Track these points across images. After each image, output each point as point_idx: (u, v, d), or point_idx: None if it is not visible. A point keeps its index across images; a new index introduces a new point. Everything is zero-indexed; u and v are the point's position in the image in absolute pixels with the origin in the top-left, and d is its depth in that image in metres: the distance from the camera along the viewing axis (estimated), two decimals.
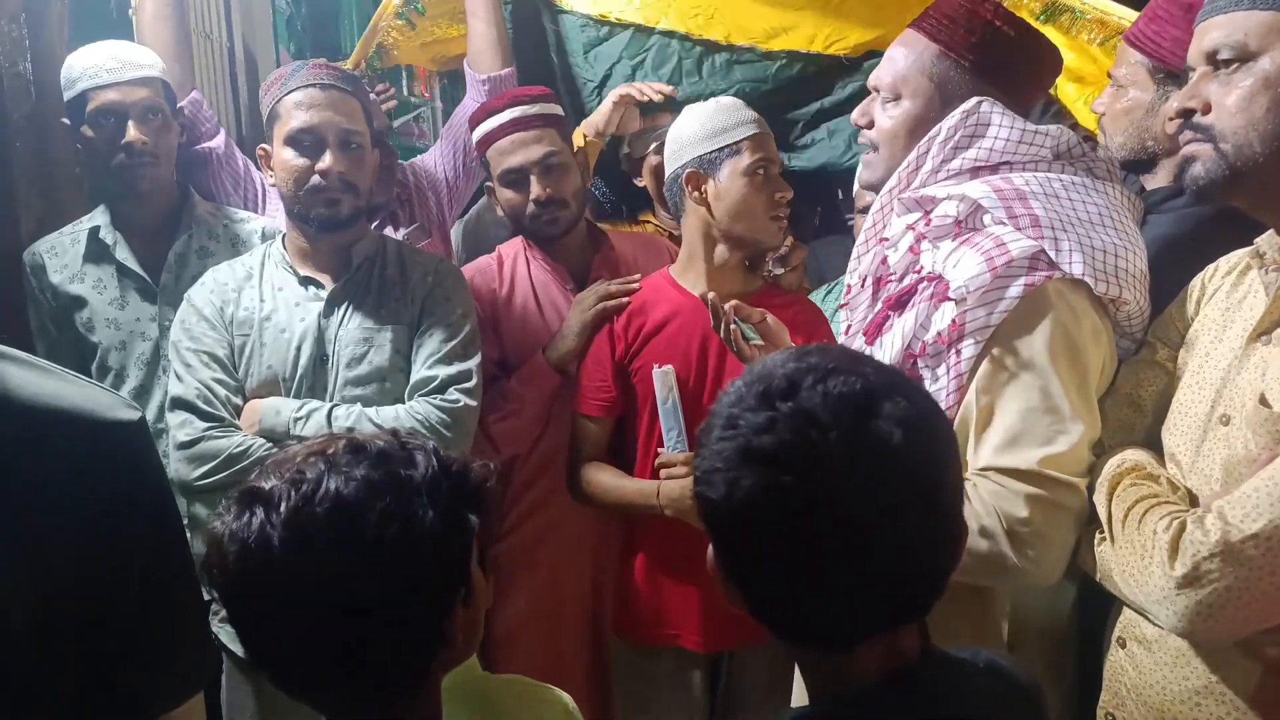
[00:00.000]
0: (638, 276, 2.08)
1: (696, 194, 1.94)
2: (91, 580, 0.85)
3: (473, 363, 1.90)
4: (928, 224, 1.39)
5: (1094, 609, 1.36)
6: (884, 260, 1.47)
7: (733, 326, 1.79)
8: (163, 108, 2.09)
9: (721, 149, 1.92)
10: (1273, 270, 1.19)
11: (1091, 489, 1.28)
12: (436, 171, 2.60)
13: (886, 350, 1.40)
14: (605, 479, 1.98)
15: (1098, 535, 1.26)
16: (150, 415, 2.07)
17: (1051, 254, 1.30)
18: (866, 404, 0.78)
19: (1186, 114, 1.17)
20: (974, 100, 1.42)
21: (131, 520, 0.88)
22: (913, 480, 0.78)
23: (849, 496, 0.76)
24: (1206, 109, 1.15)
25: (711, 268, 1.98)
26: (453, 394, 1.85)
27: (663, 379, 1.88)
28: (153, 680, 0.91)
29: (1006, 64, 1.47)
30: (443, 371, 1.86)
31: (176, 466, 1.80)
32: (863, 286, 1.51)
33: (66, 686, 0.85)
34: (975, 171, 1.41)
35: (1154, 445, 1.30)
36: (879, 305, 1.46)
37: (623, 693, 2.08)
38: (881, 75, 1.51)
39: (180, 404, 1.83)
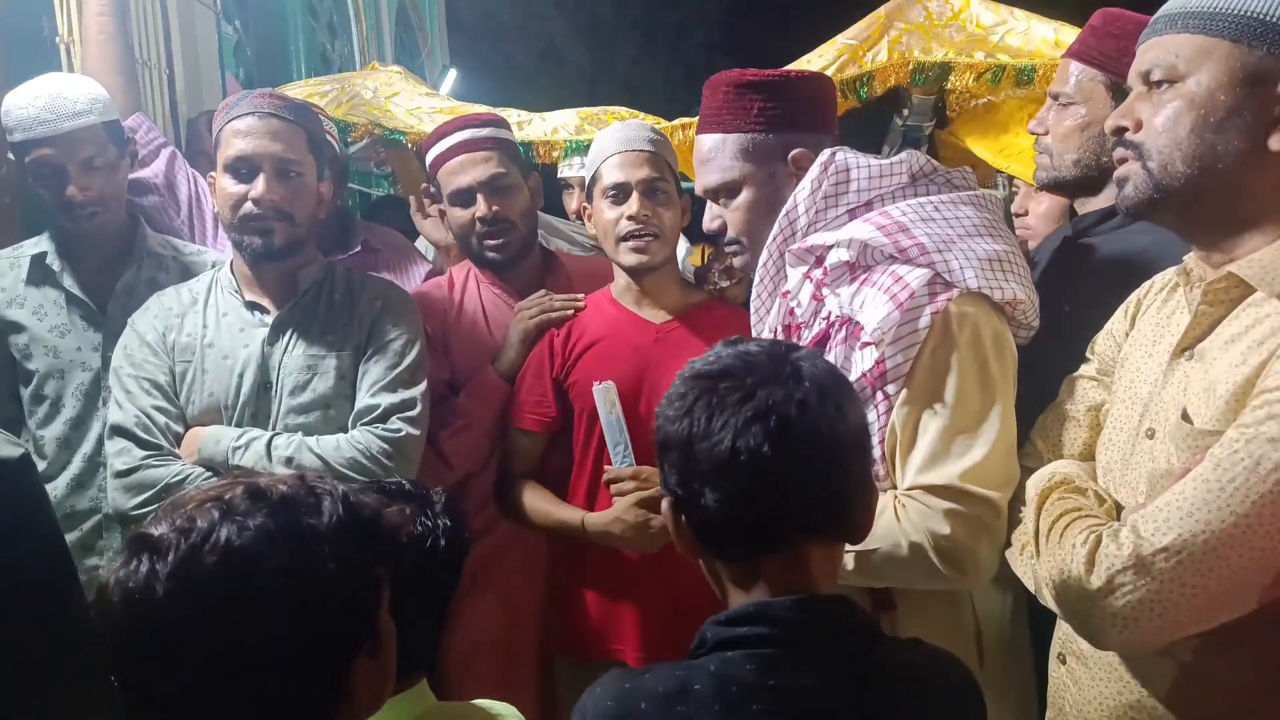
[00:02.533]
0: (582, 296, 2.04)
1: (589, 223, 2.00)
2: None
3: (417, 390, 1.83)
4: (824, 272, 1.42)
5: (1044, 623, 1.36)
6: (790, 311, 1.49)
7: None
8: (105, 155, 1.99)
9: (592, 176, 1.96)
10: (1196, 288, 1.19)
11: (1020, 497, 1.29)
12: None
13: None
14: (532, 501, 1.94)
15: (1028, 548, 1.25)
16: (89, 447, 1.99)
17: (945, 275, 1.33)
18: (791, 361, 0.96)
19: (1119, 131, 1.17)
20: (827, 153, 1.47)
21: (11, 559, 0.81)
22: (812, 429, 0.93)
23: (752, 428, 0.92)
24: (1138, 127, 1.15)
25: (630, 285, 1.96)
26: (395, 423, 1.79)
27: (604, 395, 1.84)
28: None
29: (793, 110, 1.53)
30: (386, 400, 1.80)
31: (114, 495, 1.74)
32: (775, 337, 1.52)
33: None
34: (852, 213, 1.45)
35: (1092, 458, 1.30)
36: None
37: (566, 708, 2.02)
38: (708, 181, 1.57)
39: (119, 431, 1.75)
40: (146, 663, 0.79)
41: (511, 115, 2.80)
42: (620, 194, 1.90)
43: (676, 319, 1.97)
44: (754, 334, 1.59)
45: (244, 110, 1.79)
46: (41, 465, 2.00)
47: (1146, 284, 1.35)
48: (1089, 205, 1.75)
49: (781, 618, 0.92)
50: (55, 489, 1.99)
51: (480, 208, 2.05)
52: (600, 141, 1.97)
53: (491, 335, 2.09)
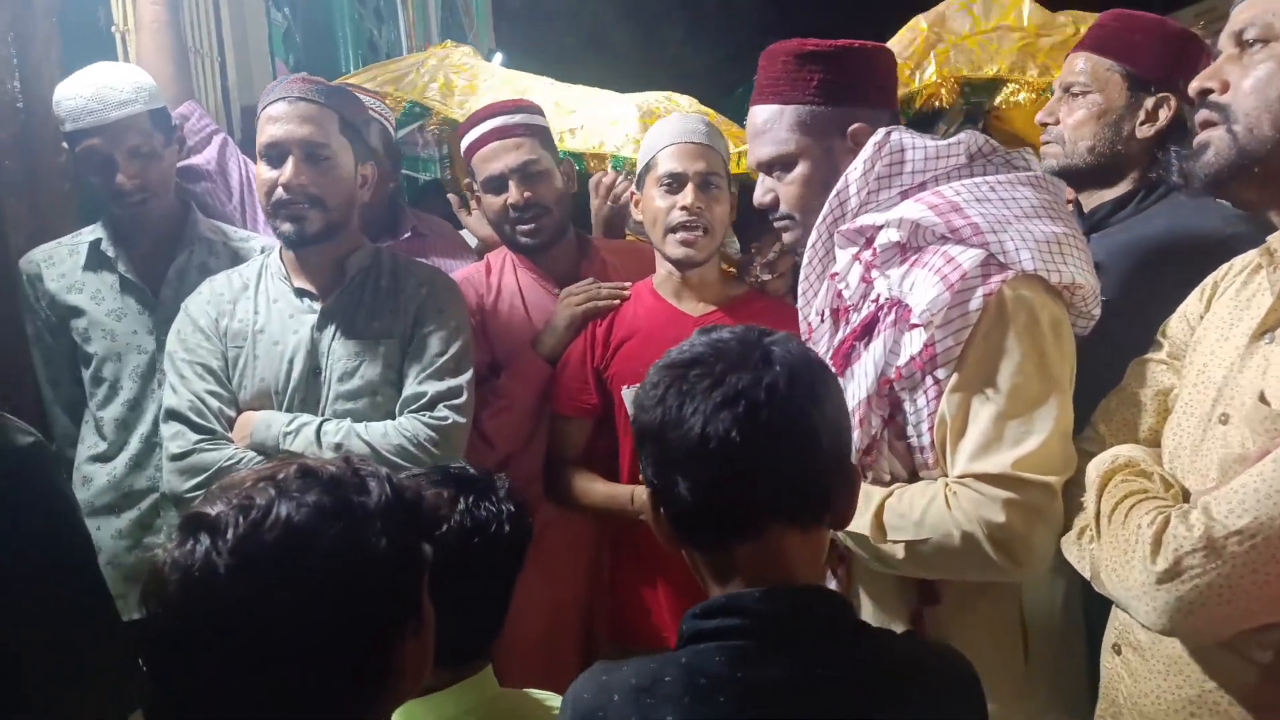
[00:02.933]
0: (628, 284, 2.04)
1: (637, 210, 1.98)
2: None
3: (464, 378, 1.83)
4: (874, 253, 1.37)
5: (1099, 612, 1.32)
6: (838, 293, 1.45)
7: None
8: (151, 142, 2.01)
9: (645, 164, 1.94)
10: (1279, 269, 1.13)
11: (1078, 483, 1.25)
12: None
13: (859, 379, 1.37)
14: (579, 483, 1.95)
15: (1088, 533, 1.21)
16: (145, 428, 2.02)
17: (1000, 256, 1.27)
18: (762, 346, 0.96)
19: (1204, 93, 1.11)
20: (882, 132, 1.41)
21: (23, 546, 0.82)
22: (781, 414, 0.91)
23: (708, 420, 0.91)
24: (1224, 88, 1.09)
25: (672, 276, 1.95)
26: (442, 410, 1.78)
27: (632, 399, 1.82)
28: (61, 711, 0.84)
29: (853, 83, 1.47)
30: (433, 388, 1.80)
31: (168, 478, 1.76)
32: (822, 320, 1.49)
33: None
34: (905, 194, 1.39)
35: (1158, 443, 1.25)
36: (840, 336, 1.43)
37: None
38: (762, 154, 1.51)
39: (173, 415, 1.77)
40: (207, 641, 0.79)
41: (567, 119, 2.77)
42: (675, 184, 1.89)
43: (716, 312, 1.95)
44: (801, 316, 1.55)
45: (276, 96, 1.80)
46: (101, 446, 2.05)
47: (1225, 266, 1.29)
48: (1096, 198, 1.71)
49: (751, 609, 0.91)
50: (115, 468, 2.03)
51: (512, 194, 2.05)
52: (658, 130, 1.96)
53: (529, 318, 2.10)
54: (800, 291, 1.54)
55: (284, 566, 0.79)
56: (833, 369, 1.00)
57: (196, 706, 0.82)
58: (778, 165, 1.50)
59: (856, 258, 1.40)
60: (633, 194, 2.00)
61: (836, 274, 1.45)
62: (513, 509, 1.19)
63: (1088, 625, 1.38)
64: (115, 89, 1.97)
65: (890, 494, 1.32)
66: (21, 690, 0.81)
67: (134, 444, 2.03)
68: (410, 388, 1.81)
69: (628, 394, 1.84)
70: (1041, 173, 1.41)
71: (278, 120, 1.76)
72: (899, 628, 1.35)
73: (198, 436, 1.75)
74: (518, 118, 2.10)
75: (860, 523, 1.31)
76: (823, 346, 1.47)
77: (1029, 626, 1.33)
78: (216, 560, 0.78)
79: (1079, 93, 1.69)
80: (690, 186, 1.87)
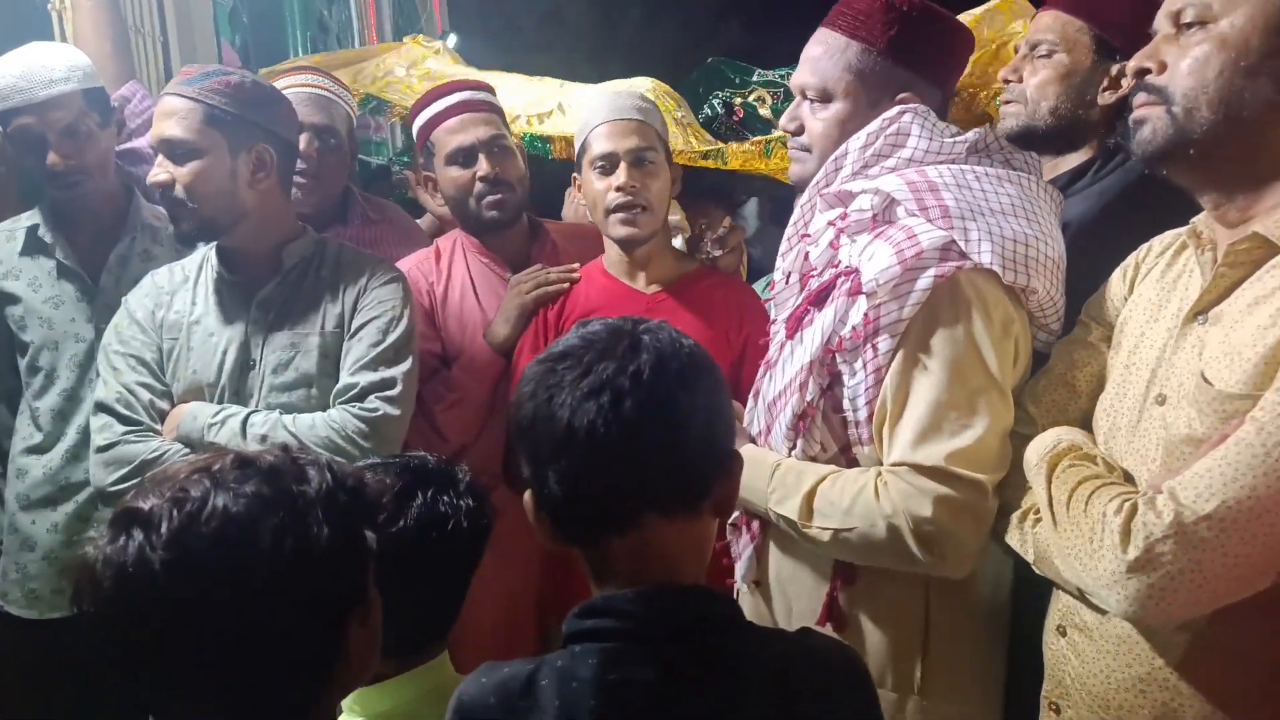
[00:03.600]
0: (577, 265, 1.99)
1: (577, 190, 1.93)
2: None
3: (399, 369, 1.75)
4: (844, 219, 1.35)
5: (1026, 594, 1.31)
6: (806, 256, 1.42)
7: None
8: (84, 123, 1.93)
9: (580, 146, 1.89)
10: (1208, 250, 1.12)
11: (1013, 475, 1.24)
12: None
13: (806, 345, 1.35)
14: None
15: (1031, 517, 1.20)
16: (82, 420, 1.95)
17: (961, 244, 1.25)
18: (631, 335, 0.93)
19: (1141, 73, 1.10)
20: (896, 110, 1.38)
21: None
22: (648, 401, 0.89)
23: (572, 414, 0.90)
24: (1161, 69, 1.08)
25: (627, 255, 1.91)
26: (373, 402, 1.71)
27: None
28: None
29: (924, 50, 1.42)
30: (365, 379, 1.73)
31: (94, 470, 1.72)
32: (787, 282, 1.46)
33: None
34: (894, 172, 1.36)
35: (1087, 426, 1.24)
36: (801, 298, 1.41)
37: None
38: (806, 78, 1.45)
39: (102, 407, 1.72)
40: (142, 637, 0.77)
41: (536, 107, 2.67)
42: (608, 164, 1.84)
43: (668, 289, 1.91)
44: (777, 270, 1.50)
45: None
46: (38, 437, 1.99)
47: (1145, 246, 1.28)
48: (1053, 167, 1.68)
49: (624, 610, 0.90)
50: (51, 460, 1.98)
51: (483, 166, 2.00)
52: (588, 110, 1.91)
53: (481, 306, 2.04)
54: (781, 249, 1.50)
55: (222, 560, 0.76)
56: (709, 362, 0.97)
57: (148, 692, 0.80)
58: (816, 95, 1.44)
59: (831, 223, 1.38)
60: (574, 178, 1.95)
61: (809, 235, 1.42)
62: (472, 503, 1.17)
63: (1017, 609, 1.36)
64: (47, 67, 1.90)
65: (825, 478, 1.30)
66: None
67: (71, 435, 1.97)
68: (343, 379, 1.75)
69: None
70: (1036, 178, 1.38)
71: (156, 118, 1.71)
72: (810, 602, 1.35)
73: (124, 428, 1.70)
74: (481, 95, 2.08)
75: (790, 504, 1.31)
76: (785, 309, 1.45)
77: (933, 617, 1.31)
78: (151, 555, 0.75)
79: (1046, 53, 1.65)
80: (623, 165, 1.83)
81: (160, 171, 1.69)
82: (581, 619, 0.92)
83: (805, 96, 1.46)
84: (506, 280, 2.05)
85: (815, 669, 0.95)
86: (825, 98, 1.43)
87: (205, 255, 1.84)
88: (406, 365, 1.77)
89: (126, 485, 1.65)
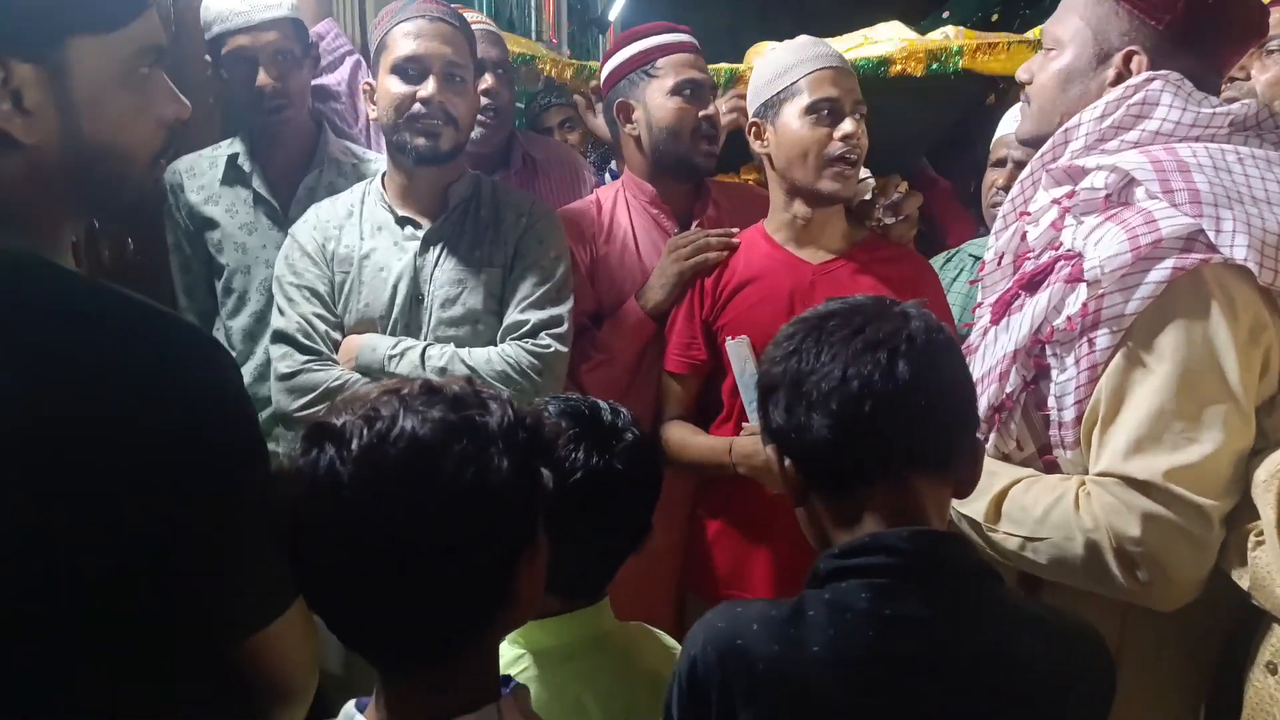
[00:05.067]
0: (736, 230, 1.89)
1: (759, 143, 1.78)
2: (153, 509, 0.79)
3: (564, 308, 1.80)
4: (1072, 198, 1.20)
5: (1230, 623, 1.16)
6: (1024, 236, 1.28)
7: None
8: (292, 49, 2.04)
9: (780, 92, 1.73)
10: None
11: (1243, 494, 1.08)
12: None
13: (1013, 332, 1.22)
14: (678, 434, 1.84)
15: (1253, 538, 1.05)
16: (268, 341, 2.02)
17: (1211, 234, 1.08)
18: (897, 305, 0.99)
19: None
20: (1143, 76, 1.21)
21: (204, 446, 0.81)
22: (922, 363, 0.93)
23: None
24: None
25: (796, 220, 1.79)
26: (544, 339, 1.77)
27: (736, 351, 1.71)
28: (236, 604, 0.86)
29: (1200, 25, 1.22)
30: (534, 316, 1.77)
31: (277, 397, 1.78)
32: (999, 264, 1.33)
33: (139, 614, 0.81)
34: (1137, 148, 1.19)
35: None
36: (1008, 283, 1.28)
37: None
38: (1049, 23, 1.32)
39: (281, 337, 1.79)
40: (325, 552, 0.78)
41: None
42: (831, 112, 1.71)
43: (836, 259, 1.79)
44: (989, 249, 1.38)
45: (413, 14, 1.77)
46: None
47: None
48: None
49: (897, 547, 0.91)
50: (244, 377, 2.08)
51: (707, 105, 1.94)
52: (794, 51, 1.77)
53: (641, 261, 1.98)
54: (996, 224, 1.37)
55: (406, 480, 0.76)
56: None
57: (326, 610, 0.81)
58: (1051, 41, 1.32)
59: (1056, 201, 1.23)
60: (753, 124, 1.81)
61: (1028, 213, 1.28)
62: (648, 451, 1.18)
63: (1224, 640, 1.21)
64: None
65: (1019, 481, 1.18)
66: (194, 595, 0.83)
67: (259, 354, 2.06)
68: (512, 315, 1.78)
69: (732, 346, 1.72)
70: None
71: (418, 37, 1.74)
72: None
73: (305, 357, 1.76)
74: (688, 37, 2.00)
75: (976, 505, 1.19)
76: (991, 292, 1.33)
77: (1128, 639, 1.16)
78: (340, 470, 0.76)
79: (1048, 48, 1.44)
80: (848, 117, 1.71)
81: (430, 85, 1.72)
82: (845, 557, 0.93)
83: (1046, 46, 1.33)
84: (671, 235, 1.97)
85: (1072, 636, 0.95)
86: (1055, 44, 1.31)
87: (365, 189, 1.89)
88: (569, 304, 1.81)
89: (311, 411, 1.72)
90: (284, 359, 1.77)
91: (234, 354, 2.04)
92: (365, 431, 0.77)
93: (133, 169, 0.91)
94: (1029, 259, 1.26)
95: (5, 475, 0.75)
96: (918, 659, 0.88)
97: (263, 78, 2.00)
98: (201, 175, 2.11)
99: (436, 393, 0.82)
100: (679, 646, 1.18)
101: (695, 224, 1.98)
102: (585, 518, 1.05)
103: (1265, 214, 1.10)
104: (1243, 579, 1.06)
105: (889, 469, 0.94)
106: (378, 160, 2.18)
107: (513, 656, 1.11)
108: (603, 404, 1.18)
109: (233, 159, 2.10)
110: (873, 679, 0.88)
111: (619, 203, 2.03)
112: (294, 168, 2.11)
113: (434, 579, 0.77)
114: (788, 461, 0.98)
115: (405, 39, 1.74)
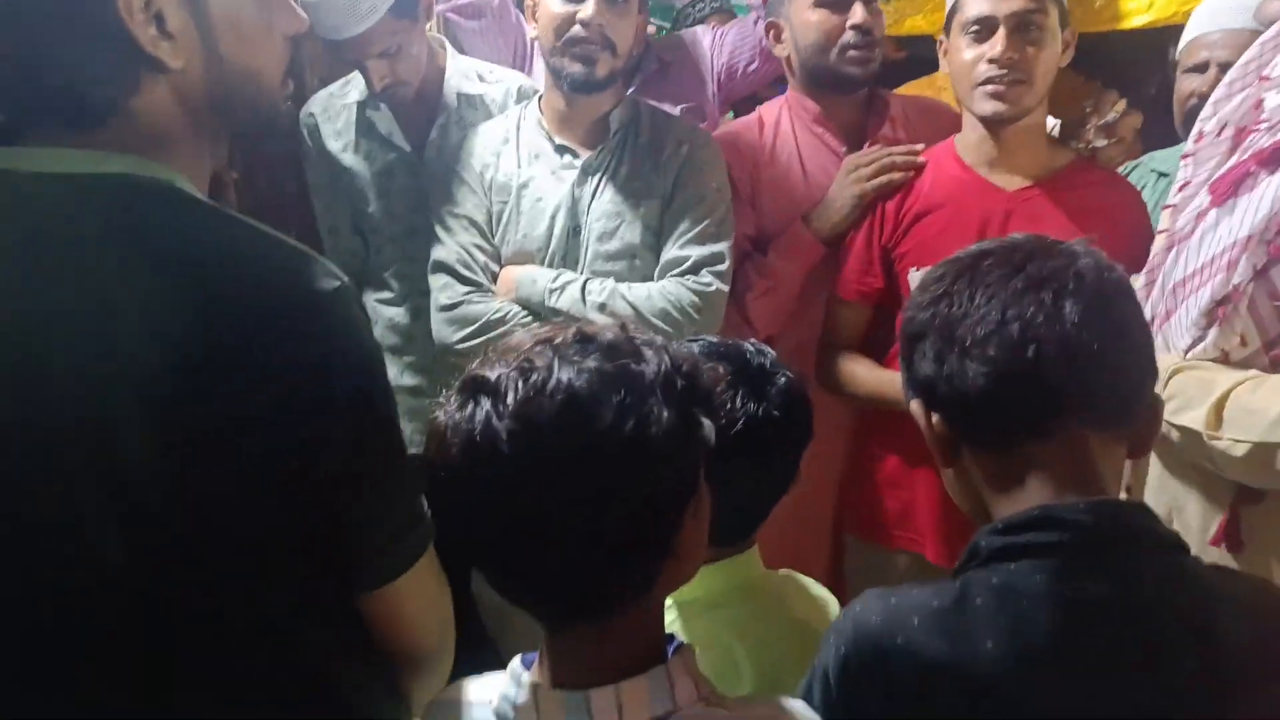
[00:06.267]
0: (921, 147, 1.72)
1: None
2: (282, 451, 0.76)
3: (725, 244, 1.70)
4: None
5: None
6: (1257, 104, 1.10)
7: None
8: (394, 41, 1.84)
9: (953, 3, 1.58)
10: None
11: None
12: (711, 52, 2.29)
13: (1243, 213, 1.07)
14: (858, 369, 1.73)
15: None
16: (419, 280, 1.95)
17: None
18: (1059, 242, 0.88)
19: None
20: None
21: (326, 392, 0.77)
22: (1093, 301, 0.83)
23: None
24: None
25: (991, 138, 1.60)
26: (705, 276, 1.67)
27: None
28: (362, 554, 0.83)
29: None
30: (695, 252, 1.68)
31: (438, 328, 1.77)
32: (1219, 134, 1.15)
33: (268, 563, 0.78)
34: None
35: None
36: (1237, 158, 1.10)
37: (855, 591, 1.85)
38: None
39: (441, 267, 1.76)
40: (486, 507, 0.76)
41: None
42: (984, 30, 1.54)
43: (1035, 185, 1.60)
44: (1208, 124, 1.21)
45: None
46: (386, 293, 2.08)
47: None
48: None
49: (1073, 521, 0.81)
50: (395, 314, 2.06)
51: (857, 14, 1.74)
52: None
53: (807, 184, 1.83)
54: (1214, 98, 1.20)
55: (565, 433, 0.73)
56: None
57: (488, 566, 0.79)
58: None
59: None
60: (941, 42, 1.66)
61: (1268, 78, 1.11)
62: (799, 396, 1.12)
63: None
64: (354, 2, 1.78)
65: (1242, 383, 1.06)
66: (328, 548, 0.81)
67: (414, 295, 2.03)
68: (671, 251, 1.69)
69: (915, 277, 1.58)
70: None
71: None
72: (1204, 525, 1.15)
73: (465, 288, 1.74)
74: None
75: (1194, 414, 1.08)
76: (1206, 168, 1.16)
77: None
78: (497, 425, 0.74)
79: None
80: (1002, 32, 1.52)
81: (589, 6, 1.63)
82: (1013, 533, 0.83)
83: None
84: (838, 156, 1.82)
85: (1265, 604, 0.85)
86: None
87: (521, 113, 1.81)
88: (730, 240, 1.71)
89: (472, 343, 1.71)
90: (444, 289, 1.75)
91: (390, 295, 2.05)
92: (521, 384, 0.74)
93: (268, 88, 0.88)
94: (1263, 129, 1.08)
95: (138, 410, 0.73)
96: (1105, 647, 0.79)
97: (374, 81, 1.88)
98: (336, 119, 2.04)
99: (590, 341, 0.78)
100: (830, 597, 1.16)
101: (868, 144, 1.82)
102: (737, 465, 0.99)
103: None
104: None
105: (1056, 423, 0.83)
106: (503, 80, 2.05)
107: None
108: (747, 345, 1.13)
109: (360, 107, 2.02)
110: (1056, 672, 0.79)
111: (783, 121, 1.89)
112: (424, 109, 2.01)
113: (595, 533, 0.74)
114: (935, 417, 0.88)
115: None
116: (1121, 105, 1.71)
